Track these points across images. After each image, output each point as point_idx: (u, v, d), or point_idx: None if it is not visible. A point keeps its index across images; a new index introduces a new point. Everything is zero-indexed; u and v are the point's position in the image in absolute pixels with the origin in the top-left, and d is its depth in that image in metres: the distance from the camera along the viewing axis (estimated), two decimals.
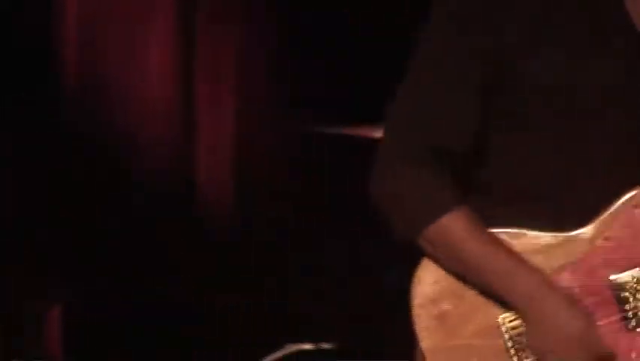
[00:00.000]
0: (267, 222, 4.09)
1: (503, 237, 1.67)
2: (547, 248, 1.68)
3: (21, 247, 3.93)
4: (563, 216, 1.68)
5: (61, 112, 4.02)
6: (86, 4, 4.06)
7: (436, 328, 1.72)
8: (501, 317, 1.68)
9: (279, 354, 3.59)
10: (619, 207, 1.71)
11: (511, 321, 1.67)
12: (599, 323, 1.67)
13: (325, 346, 3.60)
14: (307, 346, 3.58)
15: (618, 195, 1.70)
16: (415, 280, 1.73)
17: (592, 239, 1.68)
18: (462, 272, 1.68)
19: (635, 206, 1.71)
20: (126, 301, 3.97)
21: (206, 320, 3.96)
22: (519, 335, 1.66)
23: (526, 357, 1.69)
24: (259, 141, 4.16)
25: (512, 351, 1.67)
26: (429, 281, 1.72)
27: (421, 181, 1.69)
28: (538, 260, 1.66)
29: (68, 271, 3.95)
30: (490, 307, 1.69)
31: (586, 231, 1.68)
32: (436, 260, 1.70)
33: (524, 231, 1.68)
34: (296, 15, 4.08)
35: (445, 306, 1.72)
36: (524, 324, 1.66)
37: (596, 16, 1.70)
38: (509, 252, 1.66)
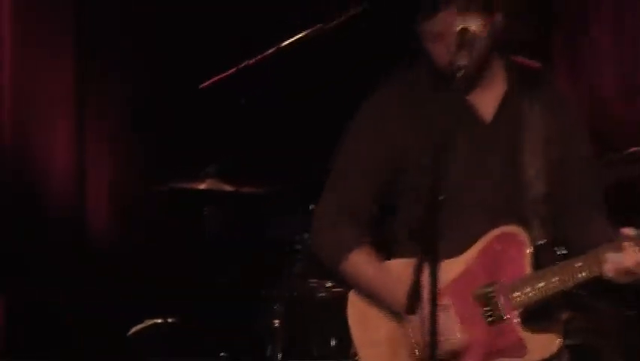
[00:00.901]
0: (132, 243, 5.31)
1: (392, 262, 2.61)
2: (443, 269, 2.37)
3: None
4: (446, 250, 2.29)
5: None
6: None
7: (358, 323, 2.63)
8: (396, 326, 2.58)
9: (139, 327, 4.50)
10: (481, 243, 2.55)
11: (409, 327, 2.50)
12: (467, 317, 2.46)
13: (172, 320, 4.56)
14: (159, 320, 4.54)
15: (477, 238, 2.50)
16: (349, 306, 2.63)
17: (466, 262, 2.51)
18: (369, 293, 2.59)
19: (491, 242, 2.52)
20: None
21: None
22: (420, 337, 2.44)
23: (419, 357, 2.53)
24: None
25: (416, 351, 2.51)
26: (355, 309, 2.61)
27: (338, 236, 2.59)
28: (405, 278, 2.35)
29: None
30: (392, 321, 2.53)
31: (461, 258, 2.50)
32: (355, 287, 2.60)
33: (403, 261, 2.55)
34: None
35: (369, 332, 2.63)
36: (410, 320, 2.45)
37: (448, 119, 2.32)
38: (381, 274, 2.58)
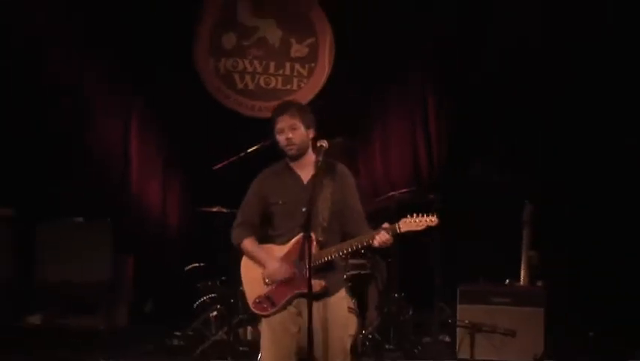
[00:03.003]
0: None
1: (269, 246, 4.37)
2: (279, 250, 4.38)
3: None
4: (282, 241, 4.31)
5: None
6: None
7: (249, 283, 4.44)
8: (261, 271, 4.41)
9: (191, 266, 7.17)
10: (295, 239, 4.26)
11: (264, 272, 4.36)
12: (288, 271, 4.23)
13: None
14: None
15: (297, 234, 4.26)
16: (242, 264, 4.47)
17: (288, 246, 4.29)
18: (251, 257, 4.41)
19: (299, 238, 4.25)
20: None
21: None
22: (268, 275, 4.36)
23: (268, 283, 4.34)
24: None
25: (267, 281, 4.37)
26: (245, 264, 4.46)
27: (240, 233, 4.43)
28: (276, 252, 4.39)
29: None
30: (260, 269, 4.40)
31: (287, 245, 4.30)
32: (245, 254, 4.43)
33: (272, 245, 4.41)
34: None
35: (248, 273, 4.46)
36: (265, 269, 4.35)
37: (288, 182, 4.37)
38: (262, 249, 4.38)
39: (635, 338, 6.66)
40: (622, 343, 6.76)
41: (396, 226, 4.23)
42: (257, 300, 4.39)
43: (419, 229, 4.22)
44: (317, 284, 4.24)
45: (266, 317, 4.36)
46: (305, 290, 4.19)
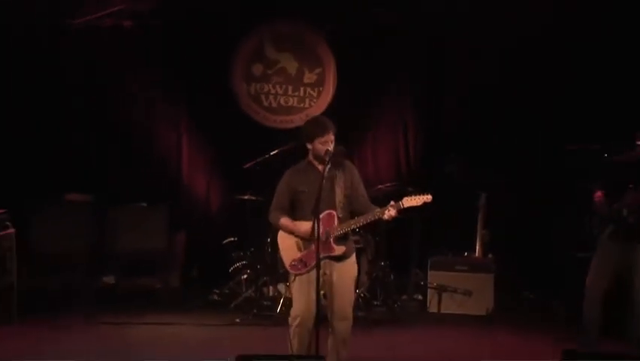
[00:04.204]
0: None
1: (299, 222, 4.39)
2: (307, 224, 4.37)
3: None
4: (308, 220, 4.28)
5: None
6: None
7: (285, 250, 4.51)
8: (295, 239, 4.49)
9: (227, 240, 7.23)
10: (323, 214, 4.27)
11: (301, 241, 4.45)
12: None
13: None
14: None
15: (319, 215, 4.23)
16: (279, 237, 4.52)
17: (312, 223, 4.21)
18: (287, 231, 4.46)
19: (326, 214, 4.32)
20: None
21: None
22: (305, 233, 4.38)
23: (301, 250, 4.42)
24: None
25: (302, 245, 4.45)
26: (281, 237, 4.51)
27: (276, 214, 4.50)
28: (304, 226, 4.40)
29: None
30: (294, 239, 4.48)
31: (311, 221, 4.24)
32: (282, 230, 4.48)
33: (303, 221, 4.40)
34: None
35: (284, 243, 4.54)
36: (302, 232, 4.39)
37: (311, 177, 4.40)
38: (295, 224, 4.43)
39: (556, 293, 6.81)
40: (551, 300, 6.93)
41: (400, 203, 4.29)
42: (292, 263, 4.49)
43: (418, 204, 4.27)
44: (339, 249, 4.40)
45: (299, 275, 4.44)
46: (328, 254, 4.37)
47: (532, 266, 7.04)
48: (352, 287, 4.57)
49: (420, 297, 7.27)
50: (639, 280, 4.93)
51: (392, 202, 4.31)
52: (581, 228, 5.11)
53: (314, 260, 4.26)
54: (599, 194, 5.04)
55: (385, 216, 4.28)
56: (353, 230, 4.52)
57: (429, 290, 7.04)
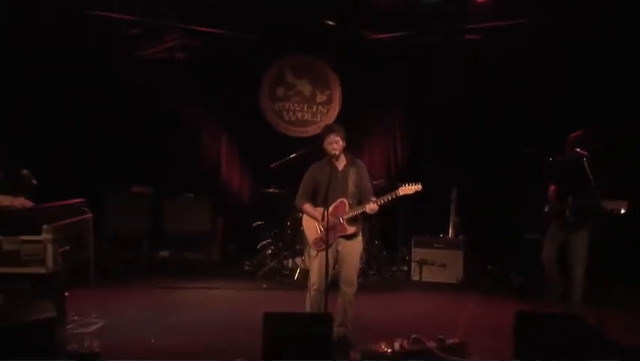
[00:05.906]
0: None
1: (319, 208, 4.19)
2: (320, 210, 4.21)
3: None
4: (321, 205, 4.14)
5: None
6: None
7: (308, 230, 4.35)
8: (315, 223, 4.28)
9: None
10: (336, 202, 4.13)
11: (320, 223, 4.25)
12: (332, 220, 3.99)
13: None
14: None
15: (335, 201, 4.18)
16: (303, 219, 4.36)
17: (330, 208, 4.11)
18: (310, 215, 4.30)
19: (338, 202, 4.18)
20: None
21: None
22: (323, 217, 4.15)
23: (321, 230, 4.14)
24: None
25: (321, 228, 4.24)
26: (305, 219, 4.37)
27: (301, 200, 4.34)
28: (319, 211, 4.28)
29: None
30: (315, 221, 4.32)
31: (330, 207, 4.11)
32: (306, 213, 4.34)
33: (321, 208, 4.20)
34: None
35: (307, 224, 4.39)
36: (320, 222, 4.21)
37: (329, 171, 4.22)
38: (315, 209, 4.27)
39: (513, 266, 6.66)
40: (508, 271, 6.77)
41: (397, 192, 4.16)
42: (315, 241, 4.35)
43: (411, 192, 4.12)
44: (350, 229, 4.28)
45: (320, 251, 4.29)
46: (343, 234, 4.27)
47: (494, 245, 6.90)
48: (358, 260, 4.45)
49: (405, 268, 7.14)
50: (572, 254, 4.95)
51: (373, 198, 4.19)
52: (537, 215, 5.06)
53: (332, 239, 4.21)
54: (552, 188, 4.98)
55: (367, 210, 4.17)
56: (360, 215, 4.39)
57: (412, 263, 6.93)
